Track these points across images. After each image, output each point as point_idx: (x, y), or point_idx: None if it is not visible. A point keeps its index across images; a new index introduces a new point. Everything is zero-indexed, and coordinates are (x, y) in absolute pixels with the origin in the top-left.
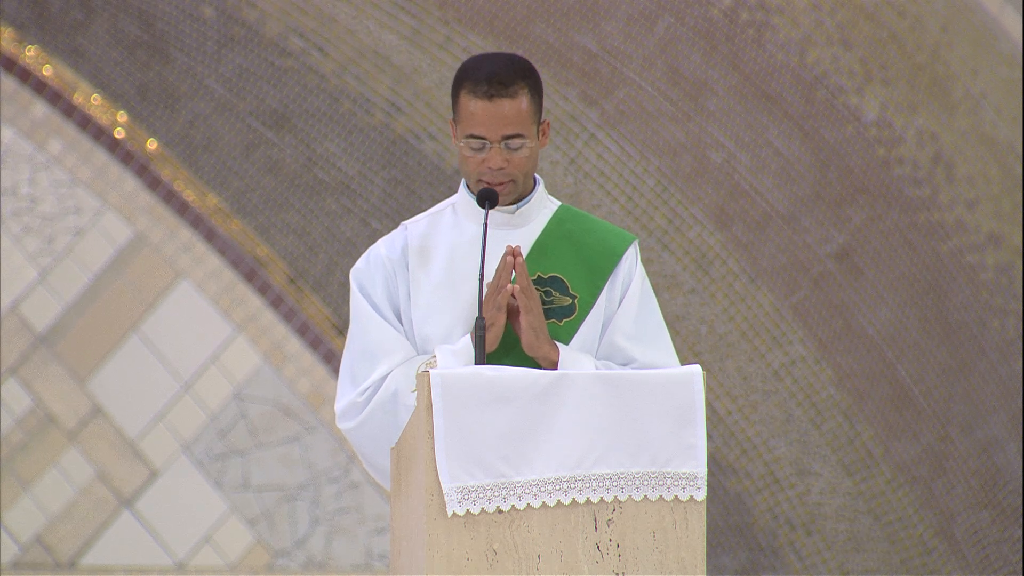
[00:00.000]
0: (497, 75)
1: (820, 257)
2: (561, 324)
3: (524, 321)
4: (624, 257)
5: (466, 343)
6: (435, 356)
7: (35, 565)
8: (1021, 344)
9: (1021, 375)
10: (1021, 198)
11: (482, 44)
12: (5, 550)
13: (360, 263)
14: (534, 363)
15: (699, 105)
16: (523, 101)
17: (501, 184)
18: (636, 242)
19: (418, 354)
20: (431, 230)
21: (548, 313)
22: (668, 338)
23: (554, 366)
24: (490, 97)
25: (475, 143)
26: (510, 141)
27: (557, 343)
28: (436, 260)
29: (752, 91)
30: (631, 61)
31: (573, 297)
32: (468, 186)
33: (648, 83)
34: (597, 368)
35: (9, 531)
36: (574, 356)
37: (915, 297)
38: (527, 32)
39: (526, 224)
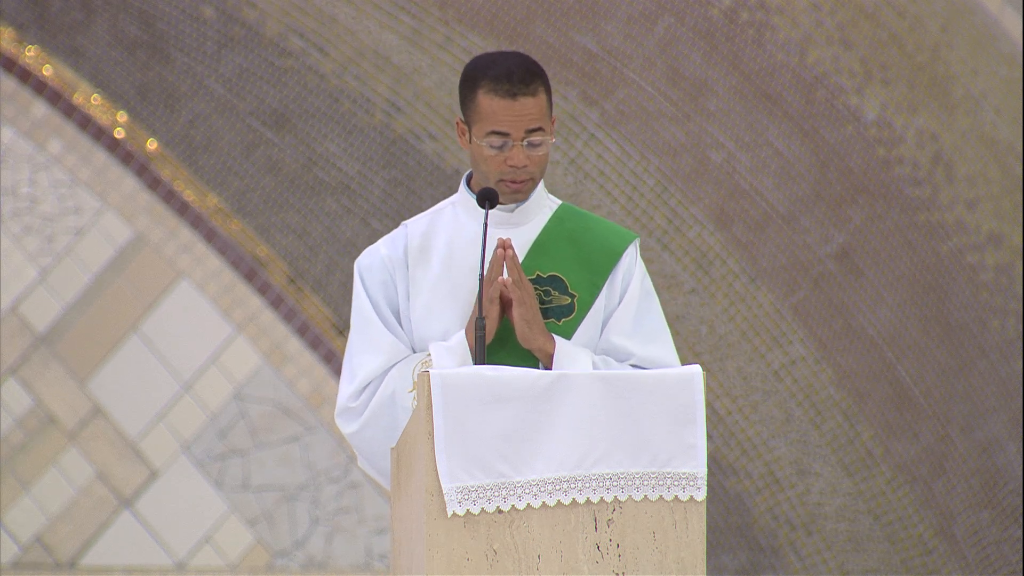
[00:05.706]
0: (517, 73)
1: (820, 257)
2: (560, 324)
3: (517, 313)
4: (624, 256)
5: (460, 339)
6: (430, 354)
7: (35, 565)
8: (1021, 344)
9: (1021, 375)
10: (1021, 198)
11: (482, 44)
12: (5, 550)
13: (364, 258)
14: (530, 355)
15: (699, 105)
16: (543, 98)
17: (522, 182)
18: (637, 240)
19: (416, 353)
20: (431, 229)
21: (547, 312)
22: (668, 335)
23: (549, 358)
24: (513, 95)
25: (497, 140)
26: (532, 137)
27: (556, 336)
28: (436, 258)
29: (752, 91)
30: (631, 61)
31: (572, 296)
32: (469, 185)
33: (648, 83)
34: (595, 363)
35: (9, 531)
36: (570, 349)
37: (915, 297)
38: (527, 32)
39: (526, 223)
